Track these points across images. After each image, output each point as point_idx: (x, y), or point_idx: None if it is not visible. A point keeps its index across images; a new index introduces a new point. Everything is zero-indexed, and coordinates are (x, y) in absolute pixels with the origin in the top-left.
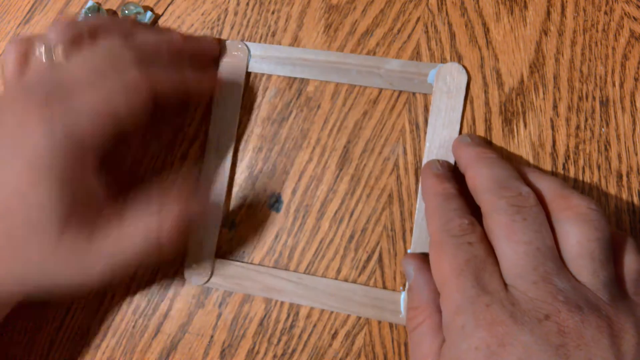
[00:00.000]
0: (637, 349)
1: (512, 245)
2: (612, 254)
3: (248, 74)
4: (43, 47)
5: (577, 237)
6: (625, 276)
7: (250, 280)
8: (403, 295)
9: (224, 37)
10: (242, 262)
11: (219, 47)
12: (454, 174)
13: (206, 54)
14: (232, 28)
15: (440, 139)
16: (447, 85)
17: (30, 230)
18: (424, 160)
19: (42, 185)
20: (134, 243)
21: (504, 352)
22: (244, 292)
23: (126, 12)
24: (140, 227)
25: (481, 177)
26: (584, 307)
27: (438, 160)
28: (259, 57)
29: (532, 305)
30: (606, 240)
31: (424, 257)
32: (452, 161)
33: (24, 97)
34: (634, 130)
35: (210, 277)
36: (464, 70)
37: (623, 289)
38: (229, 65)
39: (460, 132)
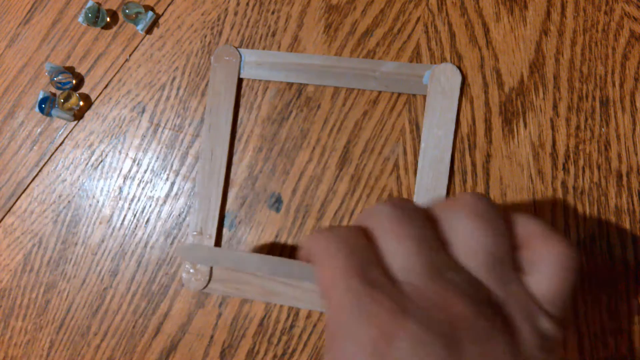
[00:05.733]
0: (535, 344)
1: (399, 240)
2: (508, 243)
3: (241, 80)
4: None
5: (466, 230)
6: (523, 265)
7: (248, 284)
8: None
9: (223, 37)
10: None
11: None
12: None
13: None
14: (232, 28)
15: (436, 140)
16: (441, 85)
17: None
18: (420, 161)
19: None
20: None
21: (390, 346)
22: (243, 297)
23: (127, 11)
24: None
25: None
26: (477, 300)
27: None
28: (254, 64)
29: (421, 297)
30: (498, 231)
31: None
32: (447, 162)
33: None
34: (634, 130)
35: (209, 282)
36: (458, 71)
37: (520, 280)
38: (221, 71)
39: (456, 132)
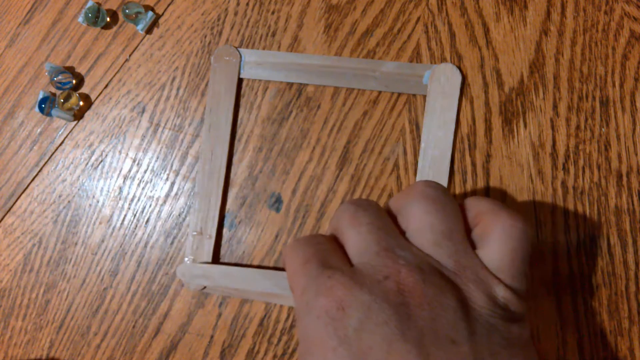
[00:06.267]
0: (491, 312)
1: (356, 228)
2: (458, 221)
3: (241, 80)
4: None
5: (415, 213)
6: (476, 241)
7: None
8: None
9: (223, 37)
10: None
11: None
12: None
13: None
14: (232, 28)
15: (436, 140)
16: (441, 85)
17: None
18: (420, 161)
19: None
20: None
21: (344, 315)
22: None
23: (127, 11)
24: None
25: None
26: (426, 270)
27: None
28: (254, 64)
29: (373, 271)
30: (444, 211)
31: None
32: (447, 162)
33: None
34: (634, 130)
35: None
36: (458, 71)
37: (473, 254)
38: (221, 71)
39: (456, 132)
